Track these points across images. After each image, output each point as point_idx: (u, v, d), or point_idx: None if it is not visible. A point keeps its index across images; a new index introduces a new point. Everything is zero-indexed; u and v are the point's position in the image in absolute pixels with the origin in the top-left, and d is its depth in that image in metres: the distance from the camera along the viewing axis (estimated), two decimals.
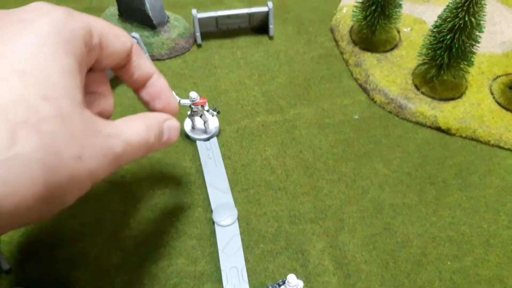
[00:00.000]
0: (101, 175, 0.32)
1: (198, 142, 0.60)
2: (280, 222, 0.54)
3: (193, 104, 0.57)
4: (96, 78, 0.40)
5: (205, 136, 0.61)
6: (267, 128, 0.63)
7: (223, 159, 0.59)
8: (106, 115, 0.41)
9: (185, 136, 0.62)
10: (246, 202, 0.56)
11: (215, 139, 0.61)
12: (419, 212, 0.55)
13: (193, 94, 0.56)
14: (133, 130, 0.35)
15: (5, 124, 0.26)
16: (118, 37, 0.37)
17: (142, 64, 0.41)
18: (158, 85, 0.43)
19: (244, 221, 0.54)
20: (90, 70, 0.37)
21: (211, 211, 0.54)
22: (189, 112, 0.60)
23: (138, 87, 0.43)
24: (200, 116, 0.60)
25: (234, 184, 0.58)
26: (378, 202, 0.56)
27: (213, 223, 0.53)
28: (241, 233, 0.53)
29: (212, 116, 0.59)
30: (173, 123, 0.42)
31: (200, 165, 0.59)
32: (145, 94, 0.43)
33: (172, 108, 0.44)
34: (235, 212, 0.54)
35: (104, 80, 0.41)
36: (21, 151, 0.26)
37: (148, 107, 0.44)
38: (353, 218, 0.55)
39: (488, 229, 0.54)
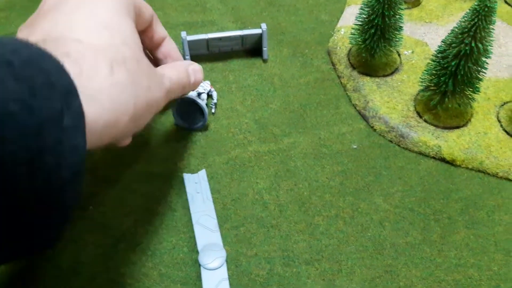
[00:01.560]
0: (161, 102, 0.43)
1: (185, 175, 0.56)
2: (273, 264, 0.50)
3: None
4: None
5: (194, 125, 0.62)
6: (260, 158, 0.59)
7: (211, 193, 0.55)
8: None
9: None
10: (236, 242, 0.52)
11: (203, 171, 0.57)
12: (423, 253, 0.51)
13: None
14: (171, 73, 0.46)
15: (106, 60, 0.35)
16: (146, 8, 0.47)
17: (159, 29, 0.52)
18: (169, 46, 0.54)
19: (233, 263, 0.50)
20: None
21: (198, 252, 0.50)
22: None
23: (154, 47, 0.53)
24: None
25: (223, 221, 0.53)
26: (378, 241, 0.52)
27: (200, 265, 0.49)
28: (230, 277, 0.48)
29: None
30: (195, 66, 0.52)
31: (187, 200, 0.54)
32: (159, 53, 0.54)
33: None
34: (223, 254, 0.49)
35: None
36: (119, 80, 0.35)
37: (161, 63, 0.54)
38: (352, 259, 0.51)
39: (499, 272, 0.50)
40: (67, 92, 0.29)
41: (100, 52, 0.35)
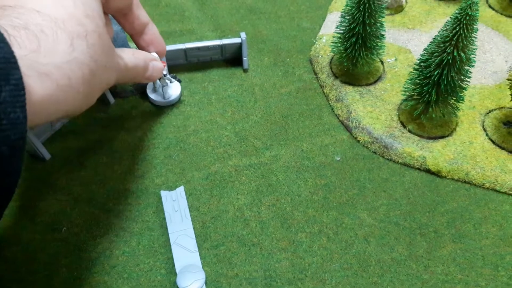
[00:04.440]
0: (112, 83, 0.42)
1: (162, 193, 0.54)
2: (254, 285, 0.48)
3: None
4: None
5: (162, 100, 0.62)
6: (241, 173, 0.57)
7: (190, 211, 0.53)
8: None
9: (146, 96, 0.64)
10: (216, 262, 0.50)
11: (182, 188, 0.55)
12: (409, 269, 0.50)
13: (154, 55, 0.56)
14: (129, 59, 0.46)
15: (66, 34, 0.33)
16: None
17: (141, 14, 0.51)
18: (152, 33, 0.53)
19: (213, 285, 0.48)
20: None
21: (176, 274, 0.48)
22: None
23: (136, 33, 0.52)
24: (159, 79, 0.60)
25: (202, 240, 0.51)
26: (363, 258, 0.50)
27: None
28: None
29: (171, 82, 0.62)
30: (158, 64, 0.52)
31: (165, 218, 0.52)
32: (142, 40, 0.53)
33: (162, 52, 0.56)
34: (202, 275, 0.47)
35: (108, 18, 0.50)
36: (78, 56, 0.34)
37: (144, 50, 0.54)
38: (336, 277, 0.49)
39: (486, 287, 0.48)
40: (5, 64, 0.27)
41: (60, 25, 0.33)
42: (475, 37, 0.50)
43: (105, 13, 0.48)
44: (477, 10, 0.47)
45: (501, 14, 0.74)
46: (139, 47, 0.54)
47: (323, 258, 0.50)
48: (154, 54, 0.54)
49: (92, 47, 0.35)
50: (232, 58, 0.68)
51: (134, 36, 0.53)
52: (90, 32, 0.35)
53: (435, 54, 0.51)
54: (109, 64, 0.39)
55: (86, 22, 0.35)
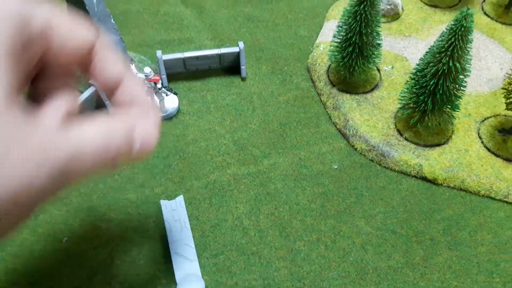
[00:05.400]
0: (36, 189, 0.24)
1: (162, 202, 0.55)
2: None
3: (146, 79, 0.58)
4: (54, 74, 0.31)
5: (161, 114, 0.60)
6: (239, 181, 0.58)
7: (190, 220, 0.54)
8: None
9: None
10: (215, 271, 0.50)
11: (181, 197, 0.55)
12: (406, 277, 0.50)
13: (147, 69, 0.58)
14: (88, 135, 0.27)
15: None
16: (72, 30, 0.29)
17: (108, 66, 0.32)
18: (129, 93, 0.33)
19: None
20: (44, 65, 0.30)
21: (176, 283, 0.48)
22: None
23: (108, 90, 0.33)
24: (155, 93, 0.60)
25: (202, 249, 0.52)
26: (361, 266, 0.51)
27: None
28: None
29: (166, 95, 0.61)
30: (149, 127, 0.31)
31: (165, 228, 0.53)
32: (115, 102, 0.33)
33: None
34: (202, 285, 0.48)
35: (66, 78, 0.32)
36: None
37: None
38: (334, 286, 0.50)
39: None
40: None
41: None
42: (470, 48, 0.51)
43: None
44: (472, 21, 0.48)
45: (496, 21, 0.74)
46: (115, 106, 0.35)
47: (321, 266, 0.51)
48: (140, 114, 0.33)
49: None
50: (231, 67, 0.69)
51: (106, 92, 0.34)
52: None
53: (431, 64, 0.52)
54: (15, 153, 0.23)
55: None
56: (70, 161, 0.25)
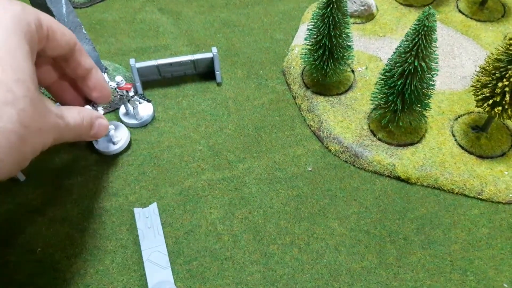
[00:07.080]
0: (48, 144, 0.40)
1: (135, 210, 0.55)
2: None
3: (118, 87, 0.59)
4: (42, 60, 0.49)
5: (135, 122, 0.63)
6: (214, 187, 0.58)
7: (163, 227, 0.54)
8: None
9: (119, 120, 0.64)
10: (189, 278, 0.51)
11: (155, 205, 0.55)
12: (379, 277, 0.50)
13: (118, 78, 0.58)
14: (72, 116, 0.45)
15: None
16: (64, 34, 0.44)
17: (84, 61, 0.49)
18: (95, 79, 0.51)
19: None
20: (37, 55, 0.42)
21: None
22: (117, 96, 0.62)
23: (79, 78, 0.51)
24: (128, 101, 0.61)
25: (175, 256, 0.52)
26: (334, 267, 0.51)
27: None
28: None
29: (139, 103, 0.62)
30: (103, 122, 0.52)
31: (138, 236, 0.53)
32: (85, 86, 0.52)
33: (106, 96, 0.54)
34: None
35: (48, 64, 0.50)
36: (4, 126, 0.33)
37: (87, 96, 0.53)
38: None
39: None
40: None
41: None
42: (435, 47, 0.51)
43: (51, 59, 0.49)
44: (435, 21, 0.48)
45: (471, 18, 0.75)
46: (83, 92, 0.53)
47: (294, 269, 0.51)
48: (100, 111, 0.55)
49: (22, 113, 0.34)
50: (206, 72, 0.69)
51: (77, 81, 0.52)
52: (20, 97, 0.34)
53: (398, 64, 0.52)
54: (45, 126, 0.38)
55: (16, 88, 0.34)
56: (63, 130, 0.42)
